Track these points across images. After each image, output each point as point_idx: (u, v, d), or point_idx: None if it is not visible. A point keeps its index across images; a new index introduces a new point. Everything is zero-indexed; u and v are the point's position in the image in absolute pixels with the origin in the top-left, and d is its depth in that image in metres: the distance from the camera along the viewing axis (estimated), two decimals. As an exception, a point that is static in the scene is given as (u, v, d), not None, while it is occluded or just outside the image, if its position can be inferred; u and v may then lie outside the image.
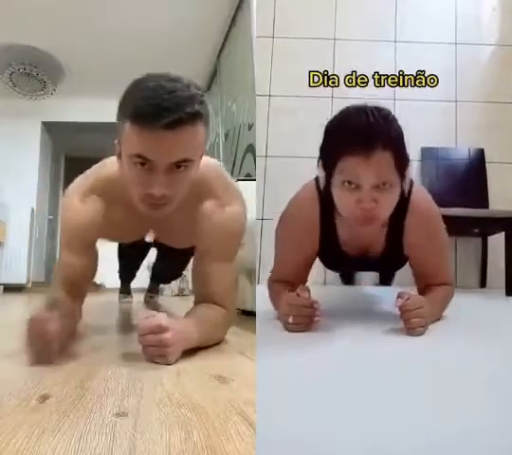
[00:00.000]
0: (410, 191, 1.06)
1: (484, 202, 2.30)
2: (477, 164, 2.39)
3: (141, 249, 2.08)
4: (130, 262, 2.36)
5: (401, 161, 0.94)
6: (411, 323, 0.94)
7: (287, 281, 1.14)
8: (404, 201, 1.05)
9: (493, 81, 2.52)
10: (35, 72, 3.87)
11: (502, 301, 1.76)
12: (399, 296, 0.98)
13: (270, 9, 2.55)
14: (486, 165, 2.39)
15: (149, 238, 1.27)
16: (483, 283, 2.35)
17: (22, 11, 3.19)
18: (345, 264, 1.35)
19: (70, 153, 5.82)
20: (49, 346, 0.81)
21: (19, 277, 4.18)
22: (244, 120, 3.07)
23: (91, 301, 2.50)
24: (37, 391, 0.64)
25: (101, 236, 1.15)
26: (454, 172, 2.38)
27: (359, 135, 0.90)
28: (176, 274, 2.39)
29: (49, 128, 4.79)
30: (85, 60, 3.86)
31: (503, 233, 2.02)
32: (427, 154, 2.38)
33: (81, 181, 1.11)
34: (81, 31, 3.45)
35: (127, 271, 2.45)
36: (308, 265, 1.19)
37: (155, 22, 3.33)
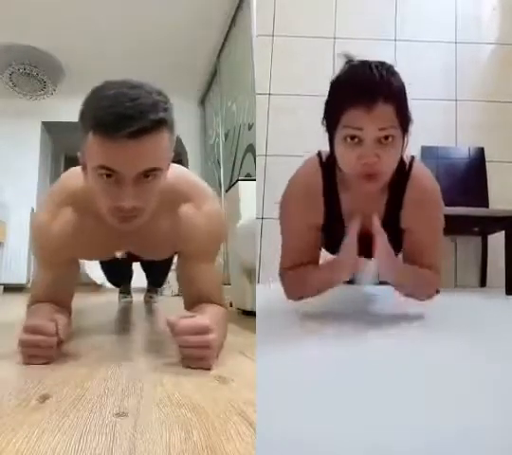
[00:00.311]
0: (411, 166, 1.06)
1: (484, 201, 2.29)
2: (477, 163, 2.39)
3: (123, 267, 2.08)
4: (118, 279, 2.38)
5: (403, 114, 0.94)
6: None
7: (300, 263, 1.13)
8: (405, 174, 1.05)
9: (493, 80, 2.52)
10: (35, 72, 3.87)
11: (502, 301, 1.76)
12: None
13: (270, 7, 2.55)
14: (486, 164, 2.39)
15: (120, 254, 1.20)
16: (483, 283, 2.35)
17: (22, 11, 3.19)
18: None
19: (70, 153, 5.82)
20: (45, 352, 0.82)
21: (19, 277, 4.18)
22: (244, 120, 3.07)
23: (91, 301, 2.50)
24: (37, 391, 0.64)
25: (75, 253, 1.09)
26: (454, 172, 2.38)
27: (362, 87, 0.91)
28: (164, 277, 2.40)
29: (49, 128, 4.79)
30: (85, 60, 3.86)
31: (503, 232, 2.02)
32: (427, 153, 2.38)
33: (49, 195, 1.08)
34: (81, 31, 3.45)
35: (120, 283, 2.48)
36: (317, 244, 1.18)
37: (155, 22, 3.33)
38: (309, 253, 1.15)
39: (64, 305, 1.08)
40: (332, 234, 1.17)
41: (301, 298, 1.14)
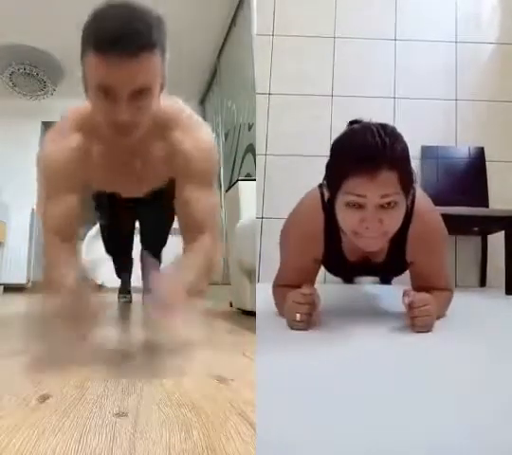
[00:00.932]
0: (413, 200, 1.04)
1: (484, 201, 2.29)
2: (477, 163, 2.39)
3: (125, 235, 2.10)
4: (118, 249, 2.32)
5: (406, 180, 0.93)
6: (419, 321, 0.97)
7: (291, 285, 1.12)
8: (407, 209, 1.04)
9: (493, 79, 2.52)
10: (35, 72, 3.87)
11: (501, 300, 1.76)
12: (405, 293, 0.99)
13: (270, 7, 2.55)
14: (487, 164, 2.39)
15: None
16: (482, 282, 2.35)
17: (22, 11, 3.18)
18: (347, 270, 1.35)
19: (70, 152, 5.83)
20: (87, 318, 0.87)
21: (19, 277, 4.18)
22: (244, 120, 3.07)
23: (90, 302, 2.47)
24: (37, 391, 0.64)
25: (83, 177, 1.12)
26: (454, 171, 2.38)
27: (364, 155, 0.89)
28: (163, 236, 2.32)
29: (49, 128, 4.79)
30: (85, 60, 3.86)
31: (503, 232, 2.02)
32: (427, 152, 2.38)
33: (62, 120, 1.14)
34: (81, 31, 3.44)
35: (120, 263, 2.40)
36: (313, 271, 1.19)
37: (155, 21, 3.33)
38: (302, 278, 1.14)
39: (71, 237, 1.10)
40: (330, 260, 1.18)
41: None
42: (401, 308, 1.11)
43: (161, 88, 0.96)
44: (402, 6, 2.57)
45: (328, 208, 1.07)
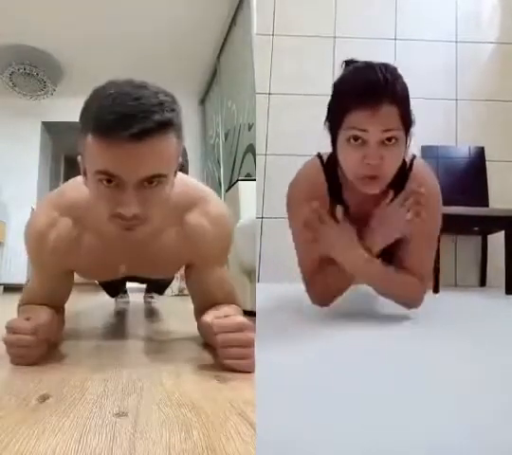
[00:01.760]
0: (411, 165, 1.06)
1: (484, 200, 2.30)
2: (477, 162, 2.39)
3: (118, 283, 1.99)
4: (116, 293, 2.33)
5: (407, 116, 0.95)
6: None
7: (320, 265, 1.11)
8: (406, 174, 1.05)
9: (493, 79, 2.52)
10: (35, 72, 3.87)
11: (501, 300, 1.76)
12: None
13: (270, 7, 2.55)
14: (487, 163, 2.39)
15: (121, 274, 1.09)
16: (482, 282, 2.35)
17: (22, 11, 3.18)
18: None
19: (70, 153, 5.82)
20: (24, 351, 0.80)
21: (19, 277, 4.18)
22: (244, 120, 3.07)
23: (89, 302, 2.50)
24: (37, 391, 0.64)
25: (72, 267, 1.04)
26: (454, 171, 2.38)
27: (367, 89, 0.91)
28: (166, 284, 2.25)
29: (49, 128, 4.79)
30: (85, 60, 3.86)
31: (503, 232, 2.02)
32: (427, 152, 2.38)
33: (48, 201, 1.02)
34: (81, 31, 3.45)
35: (116, 295, 2.40)
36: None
37: (155, 22, 3.33)
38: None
39: (56, 307, 1.04)
40: None
41: (331, 300, 1.13)
42: (401, 308, 1.11)
43: (175, 172, 0.83)
44: (402, 5, 2.57)
45: (329, 173, 1.08)
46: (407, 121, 0.95)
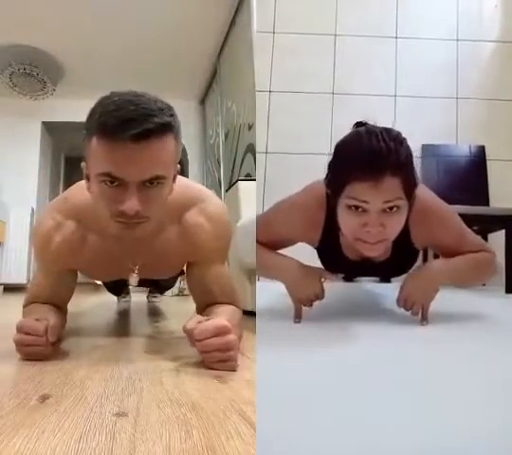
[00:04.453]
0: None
1: (484, 199, 2.29)
2: (478, 161, 2.39)
3: (122, 284, 2.01)
4: (119, 292, 2.34)
5: (410, 185, 0.93)
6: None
7: (268, 245, 1.13)
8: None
9: (494, 77, 2.52)
10: (35, 72, 3.87)
11: (501, 299, 1.76)
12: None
13: (271, 4, 2.54)
14: (487, 162, 2.39)
15: (133, 281, 1.10)
16: (483, 281, 2.35)
17: (22, 12, 3.18)
18: (346, 269, 1.34)
19: (70, 153, 5.82)
20: (37, 351, 0.83)
21: (19, 277, 4.18)
22: (244, 120, 3.07)
23: (91, 301, 2.49)
24: (37, 391, 0.64)
25: (77, 267, 1.08)
26: (455, 170, 2.37)
27: (369, 160, 0.88)
28: (169, 286, 2.29)
29: (49, 128, 4.79)
30: (85, 60, 3.86)
31: (504, 231, 2.01)
32: (427, 151, 2.38)
33: (54, 204, 1.06)
34: (80, 31, 3.44)
35: (119, 294, 2.42)
36: (291, 243, 1.17)
37: (155, 22, 3.33)
38: (283, 243, 1.14)
39: (59, 306, 1.07)
40: (327, 256, 1.17)
41: None
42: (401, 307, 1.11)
43: (174, 176, 0.88)
44: (403, 3, 2.57)
45: (330, 204, 1.06)
46: (410, 190, 0.93)
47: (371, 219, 0.91)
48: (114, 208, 0.81)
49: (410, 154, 0.94)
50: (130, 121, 0.74)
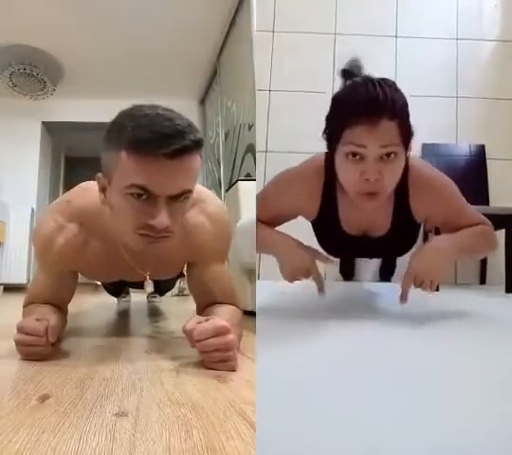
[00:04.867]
0: (407, 166, 1.05)
1: (484, 199, 2.29)
2: (478, 160, 2.39)
3: (121, 285, 2.01)
4: (118, 294, 2.32)
5: (406, 131, 0.94)
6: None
7: (268, 221, 1.15)
8: (404, 175, 1.04)
9: (494, 77, 2.52)
10: (35, 72, 3.87)
11: (501, 298, 1.76)
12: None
13: (271, 3, 2.54)
14: (487, 161, 2.39)
15: (148, 288, 1.13)
16: (482, 280, 2.35)
17: (22, 12, 3.18)
18: (345, 247, 1.30)
19: (70, 153, 5.82)
20: (37, 351, 0.84)
21: (19, 277, 4.18)
22: (244, 120, 3.07)
23: (91, 302, 2.50)
24: (37, 391, 0.64)
25: (78, 269, 1.08)
26: (455, 169, 2.37)
27: (366, 104, 0.90)
28: (169, 288, 2.24)
29: (49, 128, 4.79)
30: (85, 60, 3.86)
31: (504, 230, 2.01)
32: (427, 150, 2.37)
33: (56, 206, 1.05)
34: (81, 32, 3.44)
35: (118, 296, 2.41)
36: (289, 218, 1.18)
37: (155, 22, 3.33)
38: (279, 219, 1.16)
39: (60, 307, 1.07)
40: (326, 234, 1.17)
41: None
42: (401, 306, 1.11)
43: None
44: (403, 2, 2.57)
45: (328, 175, 1.07)
46: (406, 136, 0.94)
47: (369, 166, 0.92)
48: (141, 221, 0.80)
49: (405, 102, 0.96)
50: (166, 137, 0.74)
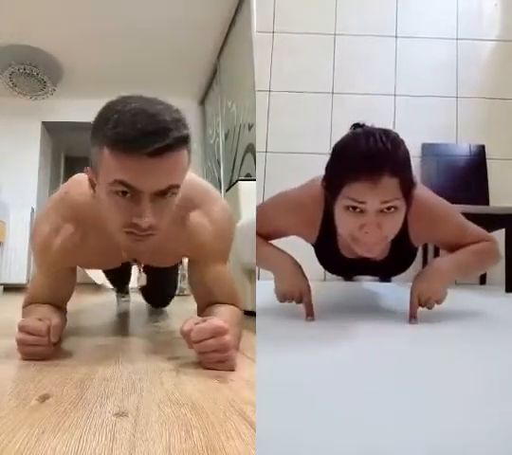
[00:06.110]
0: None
1: (484, 198, 2.29)
2: (478, 160, 2.39)
3: (123, 270, 2.02)
4: (120, 281, 2.32)
5: (407, 186, 0.93)
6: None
7: (266, 235, 1.15)
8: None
9: (494, 76, 2.52)
10: (35, 72, 3.87)
11: (501, 298, 1.76)
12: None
13: (271, 4, 2.54)
14: (487, 161, 2.39)
15: (141, 281, 1.15)
16: (482, 280, 2.35)
17: (22, 11, 3.18)
18: (344, 268, 1.34)
19: (70, 153, 5.82)
20: (38, 350, 0.84)
21: (19, 277, 4.18)
22: (244, 120, 3.07)
23: (91, 302, 2.50)
24: (37, 391, 0.64)
25: (76, 263, 1.10)
26: (455, 169, 2.37)
27: (367, 160, 0.88)
28: (170, 294, 2.16)
29: (49, 128, 4.79)
30: (85, 60, 3.86)
31: (504, 230, 2.01)
32: (427, 150, 2.37)
33: (52, 205, 1.05)
34: (81, 31, 3.44)
35: (120, 284, 2.38)
36: (285, 235, 1.19)
37: (155, 22, 3.33)
38: (279, 234, 1.17)
39: (59, 306, 1.08)
40: (325, 256, 1.18)
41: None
42: (401, 306, 1.11)
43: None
44: (403, 2, 2.56)
45: (327, 204, 1.05)
46: (407, 190, 0.93)
47: (368, 220, 0.91)
48: (126, 219, 0.80)
49: (407, 156, 0.94)
50: (148, 135, 0.72)
